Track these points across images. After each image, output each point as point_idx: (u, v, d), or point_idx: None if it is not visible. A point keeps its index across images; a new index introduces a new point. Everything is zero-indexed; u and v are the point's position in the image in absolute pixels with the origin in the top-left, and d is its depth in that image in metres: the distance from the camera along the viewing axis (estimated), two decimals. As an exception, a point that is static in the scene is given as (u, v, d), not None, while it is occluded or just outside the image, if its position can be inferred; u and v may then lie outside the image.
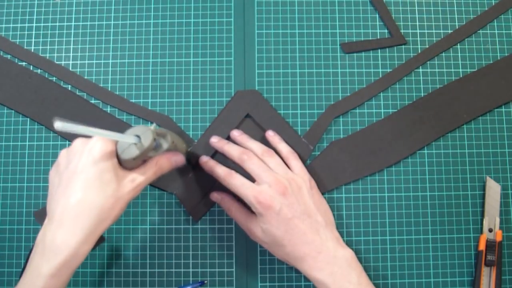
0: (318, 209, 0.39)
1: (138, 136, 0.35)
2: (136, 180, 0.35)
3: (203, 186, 0.44)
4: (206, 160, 0.42)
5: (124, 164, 0.35)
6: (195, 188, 0.44)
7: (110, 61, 0.47)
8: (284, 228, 0.37)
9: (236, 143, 0.43)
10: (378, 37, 0.48)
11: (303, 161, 0.44)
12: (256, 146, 0.42)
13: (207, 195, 0.44)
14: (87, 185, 0.33)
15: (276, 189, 0.38)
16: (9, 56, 0.48)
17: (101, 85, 0.47)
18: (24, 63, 0.47)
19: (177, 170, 0.44)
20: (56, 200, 0.33)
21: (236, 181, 0.39)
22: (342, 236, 0.44)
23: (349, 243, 0.44)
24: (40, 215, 0.44)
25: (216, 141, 0.43)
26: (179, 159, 0.40)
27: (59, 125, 0.27)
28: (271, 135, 0.44)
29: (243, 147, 0.42)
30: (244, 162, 0.40)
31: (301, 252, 0.37)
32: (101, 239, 0.35)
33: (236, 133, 0.44)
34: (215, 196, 0.43)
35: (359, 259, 0.44)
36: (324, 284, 0.36)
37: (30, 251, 0.35)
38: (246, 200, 0.38)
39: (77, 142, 0.35)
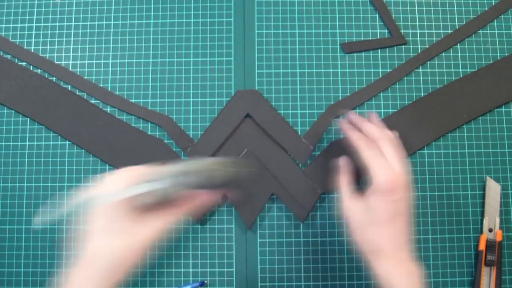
0: (410, 224, 0.39)
1: (157, 181, 0.33)
2: (153, 225, 0.34)
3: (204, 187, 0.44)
4: (346, 122, 0.42)
5: (145, 209, 0.33)
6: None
7: (110, 61, 0.47)
8: (390, 217, 0.37)
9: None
10: (378, 37, 0.48)
11: (303, 161, 0.44)
12: (392, 137, 0.41)
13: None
14: (97, 236, 0.33)
15: (404, 181, 0.38)
16: (9, 56, 0.48)
17: (101, 85, 0.47)
18: (24, 63, 0.47)
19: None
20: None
21: (377, 152, 0.39)
22: (342, 236, 0.45)
23: (349, 243, 0.44)
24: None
25: (355, 115, 0.43)
26: (207, 199, 0.37)
27: (38, 222, 0.27)
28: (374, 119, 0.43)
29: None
30: (383, 142, 0.39)
31: (389, 249, 0.37)
32: None
33: (375, 117, 0.43)
34: (353, 135, 0.41)
35: (359, 259, 0.44)
36: None
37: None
38: (376, 172, 0.38)
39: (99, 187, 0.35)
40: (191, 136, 0.46)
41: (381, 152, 0.39)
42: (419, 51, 0.48)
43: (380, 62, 0.48)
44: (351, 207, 0.39)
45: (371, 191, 0.38)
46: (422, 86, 0.47)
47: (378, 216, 0.37)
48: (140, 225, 0.34)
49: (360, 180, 0.41)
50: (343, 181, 0.41)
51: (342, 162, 0.43)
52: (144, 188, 0.33)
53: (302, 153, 0.45)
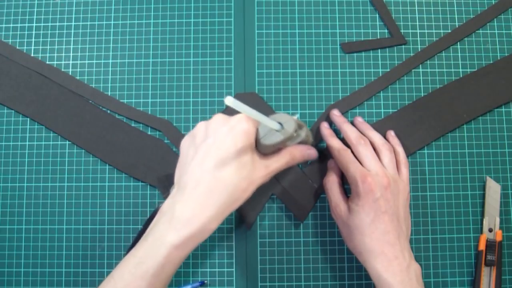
0: (405, 219, 0.40)
1: (280, 124, 0.35)
2: (270, 166, 0.35)
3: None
4: (327, 127, 0.44)
5: (260, 149, 0.35)
6: None
7: (110, 61, 0.47)
8: (373, 217, 0.37)
9: (356, 127, 0.44)
10: (378, 37, 0.48)
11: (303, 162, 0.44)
12: (376, 137, 0.42)
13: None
14: (225, 163, 0.32)
15: (381, 180, 0.38)
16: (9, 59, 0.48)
17: (101, 85, 0.47)
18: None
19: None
20: (190, 172, 0.33)
21: (349, 157, 0.40)
22: (341, 236, 0.44)
23: (349, 243, 0.45)
24: (163, 181, 0.44)
25: (337, 114, 0.44)
26: (312, 153, 0.40)
27: (230, 100, 0.28)
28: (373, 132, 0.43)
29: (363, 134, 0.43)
30: (360, 145, 0.40)
31: (378, 249, 0.37)
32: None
33: (359, 119, 0.45)
34: (329, 137, 0.43)
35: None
36: None
37: (150, 217, 0.34)
38: (351, 176, 0.39)
39: (218, 117, 0.35)
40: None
41: (353, 156, 0.40)
42: (419, 51, 0.48)
43: (380, 62, 0.48)
44: (337, 212, 0.40)
45: (352, 195, 0.39)
46: (422, 86, 0.47)
47: (362, 218, 0.38)
48: (260, 163, 0.35)
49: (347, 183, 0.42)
50: (331, 185, 0.42)
51: (330, 165, 0.43)
52: (276, 125, 0.34)
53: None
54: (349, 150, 0.41)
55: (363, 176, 0.38)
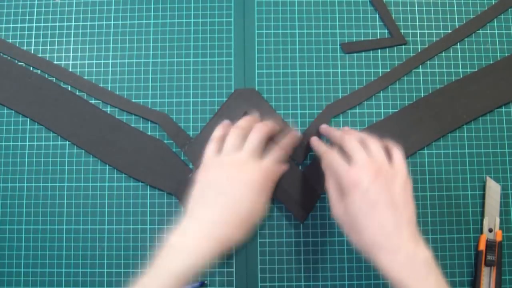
0: (405, 205, 0.38)
1: None
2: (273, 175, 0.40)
3: (201, 156, 0.44)
4: (315, 138, 0.45)
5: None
6: (192, 159, 0.44)
7: (110, 61, 0.47)
8: (366, 210, 0.36)
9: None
10: (378, 37, 0.48)
11: (300, 160, 0.44)
12: (361, 134, 0.42)
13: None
14: (233, 209, 0.37)
15: (369, 170, 0.37)
16: (8, 57, 0.48)
17: (101, 85, 0.47)
18: (23, 64, 0.47)
19: (176, 170, 0.44)
20: (202, 205, 0.37)
21: (333, 156, 0.39)
22: (342, 236, 0.44)
23: (349, 243, 0.44)
24: (181, 191, 0.44)
25: (324, 127, 0.45)
26: (294, 133, 0.43)
27: None
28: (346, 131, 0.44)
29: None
30: (344, 140, 0.40)
31: (378, 243, 0.35)
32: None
33: (346, 128, 0.45)
34: (315, 143, 0.44)
35: (359, 259, 0.44)
36: (402, 284, 0.34)
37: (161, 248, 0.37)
38: (338, 174, 0.38)
39: (234, 159, 0.39)
40: (191, 135, 0.46)
41: (337, 155, 0.39)
42: (419, 51, 0.48)
43: (380, 62, 0.48)
44: (335, 212, 0.39)
45: (344, 193, 0.38)
46: (422, 86, 0.47)
47: (355, 214, 0.37)
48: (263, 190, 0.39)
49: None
50: (327, 186, 0.41)
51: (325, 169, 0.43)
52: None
53: (299, 151, 0.45)
54: (334, 151, 0.40)
55: (346, 171, 0.37)
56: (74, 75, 0.47)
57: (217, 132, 0.41)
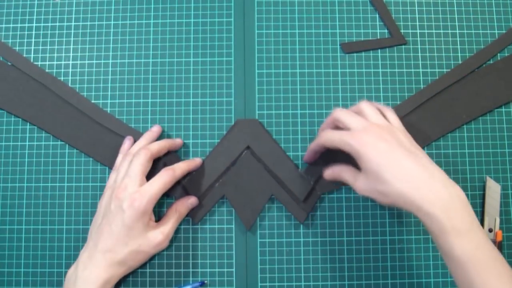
0: (419, 150, 0.37)
1: None
2: (164, 231, 0.41)
3: (200, 190, 0.44)
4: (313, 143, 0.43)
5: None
6: (192, 192, 0.44)
7: (110, 61, 0.48)
8: (387, 163, 0.35)
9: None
10: (378, 37, 0.48)
11: (302, 197, 0.44)
12: (353, 107, 0.41)
13: (205, 197, 0.44)
14: (118, 236, 0.39)
15: (371, 128, 0.37)
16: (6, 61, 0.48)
17: (101, 85, 0.47)
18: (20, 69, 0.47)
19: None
20: (99, 233, 0.40)
21: (332, 132, 0.39)
22: (342, 236, 0.44)
23: (349, 243, 0.44)
24: (177, 196, 0.45)
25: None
26: (193, 201, 0.44)
27: None
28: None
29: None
30: (335, 113, 0.39)
31: (406, 188, 0.34)
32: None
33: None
34: (329, 173, 0.42)
35: (359, 259, 0.44)
36: (438, 221, 0.33)
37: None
38: (342, 144, 0.37)
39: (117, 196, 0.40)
40: (190, 135, 0.46)
41: (334, 129, 0.39)
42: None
43: (380, 62, 0.48)
44: (359, 184, 0.38)
45: (358, 163, 0.37)
46: (422, 86, 0.47)
47: (379, 170, 0.35)
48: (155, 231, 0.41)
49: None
50: (340, 173, 0.40)
51: (327, 172, 0.42)
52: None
53: (301, 188, 0.44)
54: (328, 128, 0.40)
55: (350, 135, 0.37)
56: (72, 90, 0.47)
57: (118, 159, 0.44)
